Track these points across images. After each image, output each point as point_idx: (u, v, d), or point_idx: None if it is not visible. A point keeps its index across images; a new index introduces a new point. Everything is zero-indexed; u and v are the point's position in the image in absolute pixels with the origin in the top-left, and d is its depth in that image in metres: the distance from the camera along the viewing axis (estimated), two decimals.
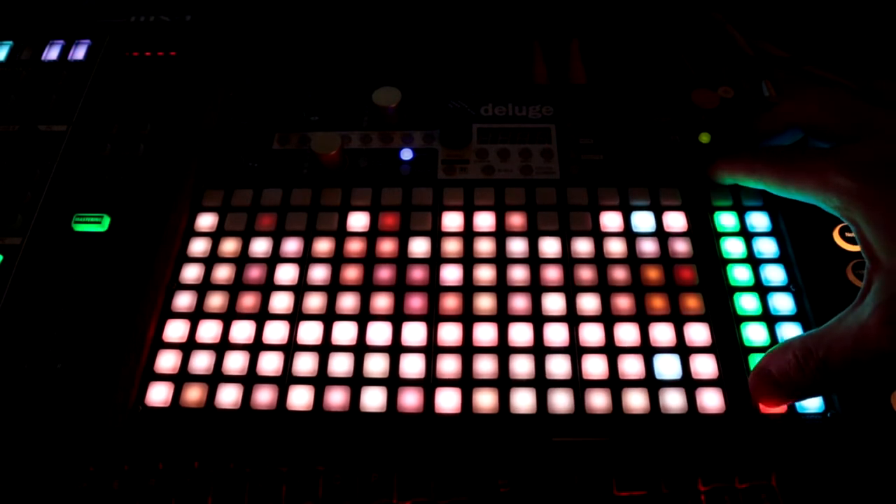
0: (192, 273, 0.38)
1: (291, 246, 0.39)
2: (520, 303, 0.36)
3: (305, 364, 0.35)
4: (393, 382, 0.34)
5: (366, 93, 0.43)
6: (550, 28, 0.55)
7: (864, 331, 0.28)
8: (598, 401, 0.33)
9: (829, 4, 0.54)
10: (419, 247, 0.38)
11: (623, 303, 0.36)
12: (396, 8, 0.56)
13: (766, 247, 0.38)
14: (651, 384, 0.34)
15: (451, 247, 0.38)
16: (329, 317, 0.36)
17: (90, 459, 0.34)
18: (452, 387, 0.34)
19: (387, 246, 0.38)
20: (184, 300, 0.37)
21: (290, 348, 0.35)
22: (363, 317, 0.36)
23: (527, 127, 0.43)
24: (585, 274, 0.37)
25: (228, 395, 0.34)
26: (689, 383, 0.34)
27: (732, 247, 0.38)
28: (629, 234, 0.38)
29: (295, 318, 0.36)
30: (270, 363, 0.35)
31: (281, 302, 0.37)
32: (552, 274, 0.37)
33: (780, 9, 0.55)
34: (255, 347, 0.35)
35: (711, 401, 0.33)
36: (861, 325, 0.28)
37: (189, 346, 0.36)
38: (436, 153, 0.42)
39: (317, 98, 0.45)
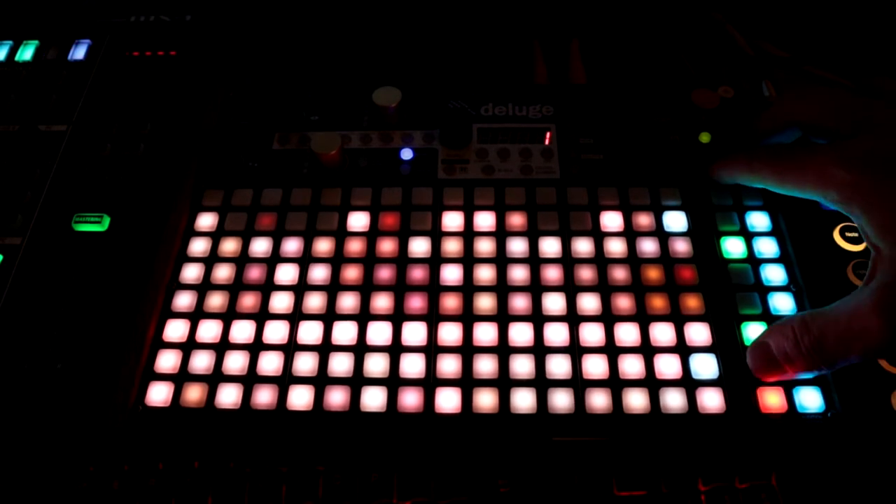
0: (192, 273, 0.38)
1: (291, 246, 0.39)
2: (520, 303, 0.36)
3: (305, 364, 0.35)
4: (393, 382, 0.34)
5: (366, 93, 0.43)
6: (550, 28, 0.55)
7: (857, 316, 0.29)
8: (599, 401, 0.33)
9: (829, 4, 0.54)
10: (419, 247, 0.38)
11: (623, 303, 0.36)
12: (396, 8, 0.56)
13: (766, 247, 0.38)
14: (651, 384, 0.34)
15: (452, 247, 0.38)
16: (329, 317, 0.36)
17: (90, 459, 0.34)
18: (452, 387, 0.34)
19: (387, 246, 0.38)
20: (184, 300, 0.37)
21: (290, 348, 0.35)
22: (363, 317, 0.36)
23: (527, 127, 0.43)
24: (585, 274, 0.37)
25: (228, 395, 0.34)
26: (689, 383, 0.34)
27: (732, 247, 0.38)
28: (629, 234, 0.38)
29: (295, 317, 0.36)
30: (270, 363, 0.35)
31: (281, 302, 0.37)
32: (552, 274, 0.37)
33: (780, 9, 0.55)
34: (255, 347, 0.35)
35: (711, 401, 0.33)
36: (855, 309, 0.29)
37: (189, 346, 0.35)
38: (436, 153, 0.42)
39: (317, 98, 0.45)
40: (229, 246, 0.39)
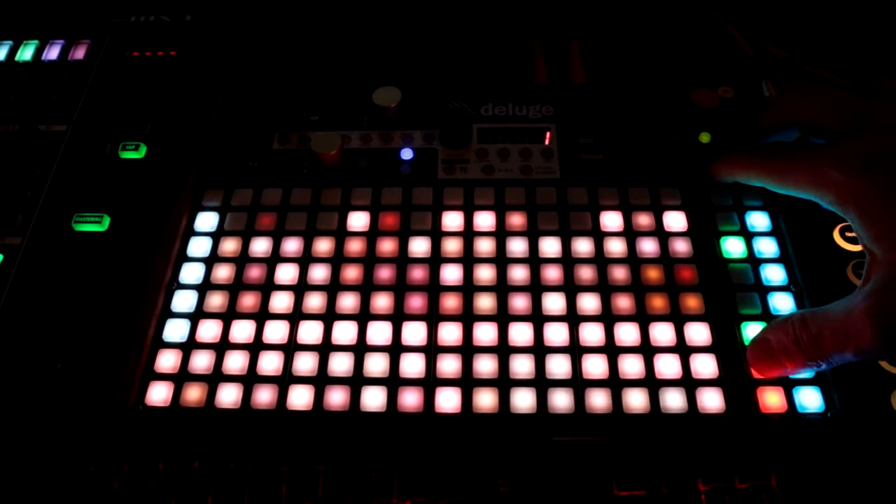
0: (192, 273, 0.38)
1: (291, 246, 0.39)
2: (520, 302, 0.36)
3: (305, 364, 0.35)
4: (393, 382, 0.34)
5: (366, 93, 0.43)
6: (550, 28, 0.55)
7: (851, 318, 0.29)
8: (598, 400, 0.33)
9: (829, 4, 0.54)
10: (419, 246, 0.38)
11: (623, 302, 0.36)
12: (396, 8, 0.56)
13: (766, 247, 0.38)
14: (651, 384, 0.34)
15: (451, 246, 0.38)
16: (329, 316, 0.36)
17: (90, 459, 0.34)
18: (452, 386, 0.34)
19: (387, 246, 0.38)
20: (184, 300, 0.37)
21: (290, 348, 0.35)
22: (363, 316, 0.36)
23: (527, 127, 0.43)
24: (585, 274, 0.37)
25: (228, 395, 0.34)
26: (689, 383, 0.34)
27: (732, 247, 0.38)
28: (629, 234, 0.38)
29: (295, 317, 0.36)
30: (270, 363, 0.35)
31: (281, 302, 0.37)
32: (552, 274, 0.37)
33: (780, 9, 0.55)
34: (255, 347, 0.35)
35: (711, 401, 0.33)
36: (850, 311, 0.29)
37: (189, 346, 0.35)
38: (436, 153, 0.42)
39: (317, 98, 0.45)
40: (229, 246, 0.39)
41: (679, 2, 0.55)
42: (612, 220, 0.39)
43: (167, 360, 0.35)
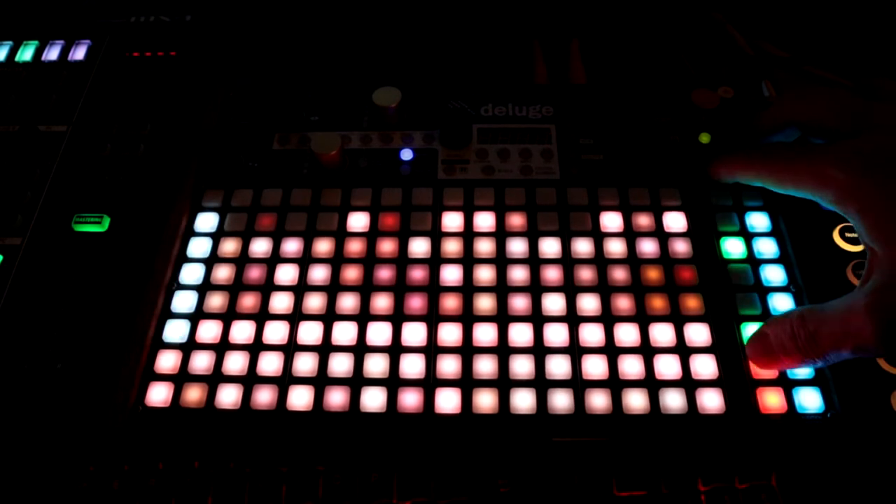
0: (192, 273, 0.38)
1: (291, 246, 0.39)
2: (520, 303, 0.36)
3: (305, 364, 0.35)
4: (393, 382, 0.34)
5: (366, 93, 0.43)
6: (550, 28, 0.55)
7: (850, 315, 0.29)
8: (598, 401, 0.33)
9: (829, 4, 0.54)
10: (419, 247, 0.38)
11: (623, 303, 0.36)
12: (396, 8, 0.56)
13: (766, 247, 0.38)
14: (651, 384, 0.34)
15: (451, 247, 0.38)
16: (329, 317, 0.36)
17: (90, 459, 0.34)
18: (452, 387, 0.34)
19: (387, 246, 0.38)
20: (184, 300, 0.37)
21: (290, 348, 0.35)
22: (363, 317, 0.36)
23: (527, 127, 0.43)
24: (585, 274, 0.37)
25: (228, 396, 0.34)
26: (689, 383, 0.34)
27: (732, 247, 0.38)
28: (629, 235, 0.38)
29: (295, 318, 0.36)
30: (270, 363, 0.35)
31: (281, 302, 0.37)
32: (552, 274, 0.37)
33: (780, 9, 0.55)
34: (255, 347, 0.35)
35: (711, 401, 0.33)
36: (849, 309, 0.29)
37: (189, 346, 0.35)
38: (436, 153, 0.42)
39: (317, 98, 0.45)
40: (229, 246, 0.39)
41: (679, 2, 0.55)
42: (611, 220, 0.39)
43: (167, 361, 0.35)
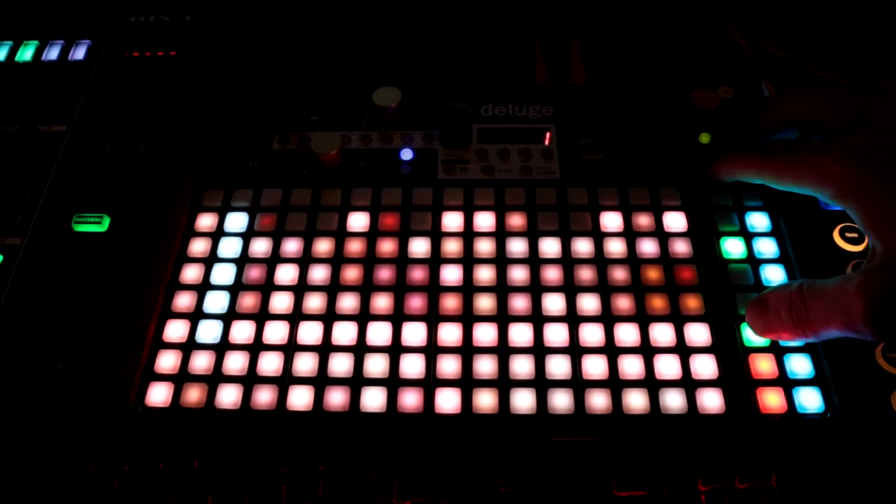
0: (192, 273, 0.38)
1: (291, 246, 0.39)
2: (520, 303, 0.36)
3: (305, 364, 0.35)
4: (393, 382, 0.34)
5: (366, 93, 0.43)
6: (550, 28, 0.55)
7: (842, 292, 0.30)
8: (598, 401, 0.33)
9: (829, 4, 0.54)
10: (419, 247, 0.38)
11: (623, 303, 0.36)
12: (396, 8, 0.56)
13: (766, 247, 0.38)
14: (651, 384, 0.34)
15: (451, 247, 0.38)
16: (329, 317, 0.36)
17: (90, 459, 0.34)
18: (452, 387, 0.34)
19: (387, 246, 0.38)
20: (184, 300, 0.37)
21: (290, 348, 0.35)
22: (363, 317, 0.36)
23: (527, 127, 0.43)
24: (585, 274, 0.37)
25: (228, 396, 0.34)
26: (689, 383, 0.34)
27: (732, 247, 0.38)
28: (629, 235, 0.38)
29: (295, 318, 0.36)
30: (270, 363, 0.35)
31: (281, 302, 0.37)
32: (552, 274, 0.37)
33: (780, 9, 0.55)
34: (255, 347, 0.35)
35: (711, 401, 0.33)
36: (842, 287, 0.30)
37: (189, 346, 0.36)
38: (436, 153, 0.42)
39: (317, 98, 0.45)
40: (229, 246, 0.39)
41: (679, 2, 0.55)
42: (611, 220, 0.39)
43: (167, 361, 0.35)
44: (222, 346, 0.35)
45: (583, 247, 0.38)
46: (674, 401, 0.33)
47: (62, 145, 0.42)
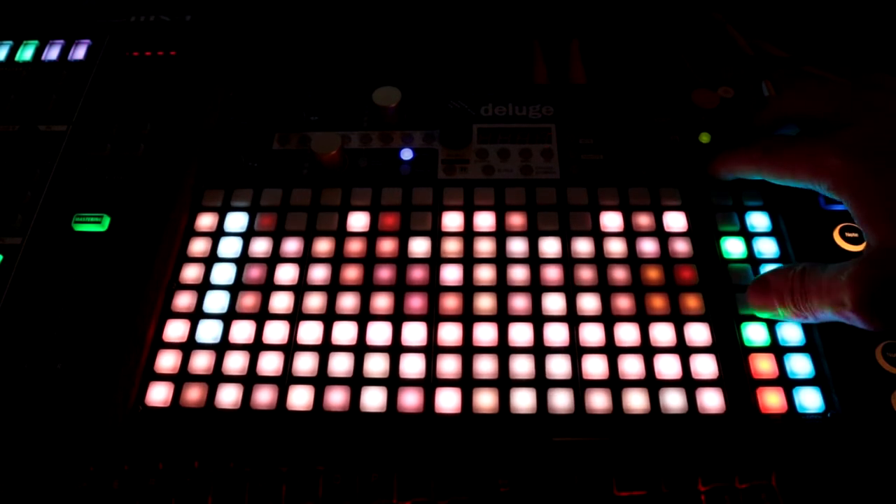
0: (192, 273, 0.38)
1: (291, 246, 0.39)
2: (520, 303, 0.36)
3: (305, 364, 0.35)
4: (393, 382, 0.34)
5: (366, 93, 0.43)
6: (550, 28, 0.55)
7: (837, 285, 0.30)
8: (598, 401, 0.33)
9: (828, 4, 0.54)
10: (419, 247, 0.38)
11: (623, 303, 0.36)
12: (396, 8, 0.56)
13: (766, 247, 0.38)
14: (651, 384, 0.34)
15: (451, 247, 0.38)
16: (329, 317, 0.36)
17: (90, 459, 0.34)
18: (452, 387, 0.34)
19: (387, 246, 0.38)
20: (184, 300, 0.37)
21: (290, 348, 0.35)
22: (363, 317, 0.36)
23: (527, 127, 0.43)
24: (585, 274, 0.37)
25: (228, 395, 0.34)
26: (689, 383, 0.34)
27: (732, 247, 0.38)
28: (629, 235, 0.38)
29: (295, 318, 0.36)
30: (270, 363, 0.35)
31: (281, 302, 0.37)
32: (552, 274, 0.37)
33: (780, 9, 0.55)
34: (255, 347, 0.35)
35: (711, 401, 0.33)
36: (839, 273, 0.30)
37: (189, 346, 0.35)
38: (436, 153, 0.42)
39: (317, 98, 0.45)
40: (229, 246, 0.39)
41: (679, 2, 0.55)
42: (612, 220, 0.39)
43: (167, 361, 0.35)
44: (222, 346, 0.35)
45: (583, 247, 0.38)
46: (674, 401, 0.33)
47: (62, 145, 0.42)
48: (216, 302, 0.37)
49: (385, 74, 0.46)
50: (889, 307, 0.29)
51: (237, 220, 0.40)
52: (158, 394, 0.34)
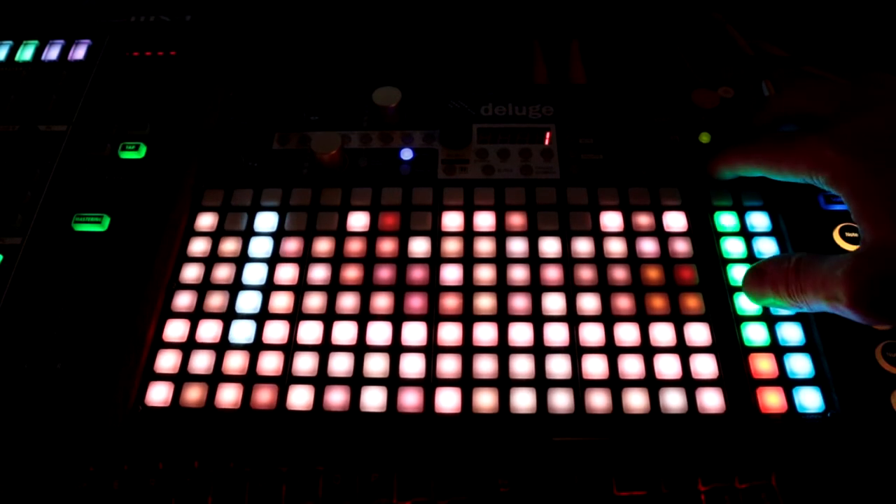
0: (192, 273, 0.38)
1: (291, 246, 0.39)
2: (520, 303, 0.36)
3: (305, 364, 0.35)
4: (393, 382, 0.34)
5: (366, 93, 0.43)
6: (550, 28, 0.55)
7: (834, 272, 0.30)
8: (598, 401, 0.33)
9: (828, 4, 0.54)
10: (419, 247, 0.38)
11: (623, 303, 0.36)
12: (396, 8, 0.56)
13: (766, 247, 0.38)
14: (651, 384, 0.34)
15: (451, 247, 0.38)
16: (329, 317, 0.36)
17: (90, 459, 0.34)
18: (452, 387, 0.34)
19: (387, 246, 0.38)
20: (184, 300, 0.37)
21: (290, 348, 0.35)
22: (363, 317, 0.36)
23: (527, 127, 0.43)
24: (585, 274, 0.37)
25: (228, 395, 0.34)
26: (689, 383, 0.34)
27: (732, 247, 0.38)
28: (629, 234, 0.38)
29: (295, 318, 0.36)
30: (270, 363, 0.35)
31: (281, 302, 0.37)
32: (552, 274, 0.37)
33: (780, 9, 0.55)
34: (255, 347, 0.35)
35: (711, 401, 0.33)
36: (835, 266, 0.31)
37: (189, 346, 0.35)
38: (436, 153, 0.42)
39: (317, 98, 0.45)
40: (229, 246, 0.39)
41: (679, 2, 0.55)
42: (611, 220, 0.39)
43: (167, 360, 0.35)
44: (222, 346, 0.35)
45: (583, 246, 0.38)
46: (674, 400, 0.33)
47: (62, 145, 0.42)
48: (216, 302, 0.37)
49: (385, 74, 0.46)
50: (883, 303, 0.29)
51: (237, 220, 0.40)
52: (158, 394, 0.34)
